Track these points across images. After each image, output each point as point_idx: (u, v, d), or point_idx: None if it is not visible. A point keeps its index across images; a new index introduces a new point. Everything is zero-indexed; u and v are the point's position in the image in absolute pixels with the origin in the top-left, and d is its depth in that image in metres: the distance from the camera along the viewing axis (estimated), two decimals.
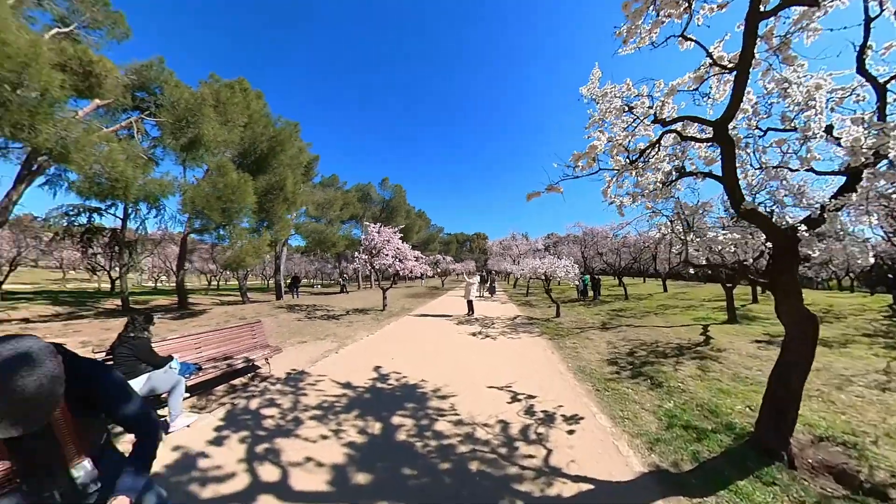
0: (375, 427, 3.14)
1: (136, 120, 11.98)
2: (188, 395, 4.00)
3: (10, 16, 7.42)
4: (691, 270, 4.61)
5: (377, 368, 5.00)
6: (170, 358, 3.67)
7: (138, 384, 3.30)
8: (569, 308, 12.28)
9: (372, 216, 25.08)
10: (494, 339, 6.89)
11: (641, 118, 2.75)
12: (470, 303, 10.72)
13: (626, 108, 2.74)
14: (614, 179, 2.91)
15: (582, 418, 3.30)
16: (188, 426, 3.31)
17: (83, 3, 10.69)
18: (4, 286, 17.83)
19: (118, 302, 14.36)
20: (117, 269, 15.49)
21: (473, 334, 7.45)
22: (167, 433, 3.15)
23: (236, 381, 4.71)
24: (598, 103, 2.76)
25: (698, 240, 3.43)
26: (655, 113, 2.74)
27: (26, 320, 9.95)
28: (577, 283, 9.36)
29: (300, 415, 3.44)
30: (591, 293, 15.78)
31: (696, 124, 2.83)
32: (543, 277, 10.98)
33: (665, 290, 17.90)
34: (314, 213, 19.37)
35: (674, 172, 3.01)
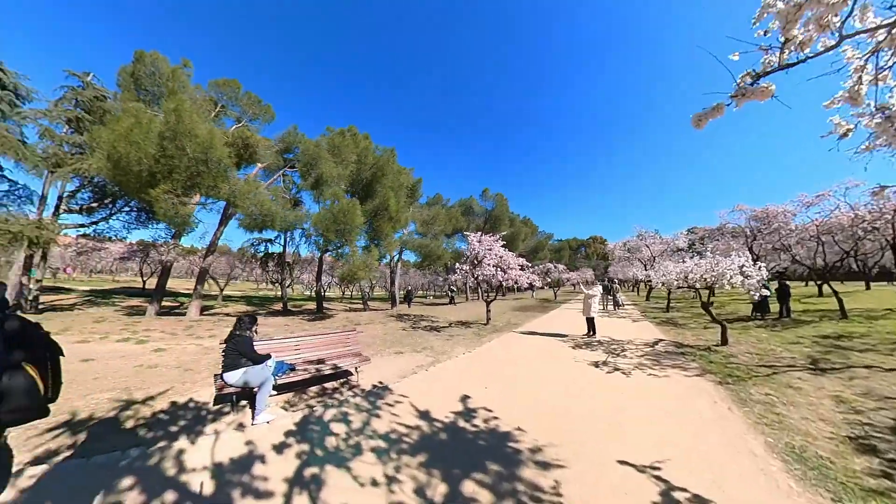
0: (438, 491, 2.36)
1: (282, 173, 16.40)
2: (275, 393, 4.27)
3: (199, 118, 10.72)
4: None
5: (465, 399, 4.20)
6: (268, 356, 3.92)
7: (235, 376, 3.62)
8: (740, 330, 8.88)
9: (476, 228, 24.94)
10: (627, 376, 5.15)
11: None
12: (591, 321, 8.70)
13: None
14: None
15: None
16: (268, 422, 3.47)
17: (248, 106, 15.87)
18: (224, 292, 25.55)
19: (280, 306, 18.65)
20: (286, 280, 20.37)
21: (596, 364, 5.81)
22: (253, 424, 3.42)
23: (329, 385, 4.79)
24: None
25: None
26: None
27: (227, 314, 14.29)
28: (752, 292, 6.35)
29: (363, 441, 3.08)
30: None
31: None
32: (701, 286, 7.47)
33: None
34: (421, 230, 20.60)
35: None
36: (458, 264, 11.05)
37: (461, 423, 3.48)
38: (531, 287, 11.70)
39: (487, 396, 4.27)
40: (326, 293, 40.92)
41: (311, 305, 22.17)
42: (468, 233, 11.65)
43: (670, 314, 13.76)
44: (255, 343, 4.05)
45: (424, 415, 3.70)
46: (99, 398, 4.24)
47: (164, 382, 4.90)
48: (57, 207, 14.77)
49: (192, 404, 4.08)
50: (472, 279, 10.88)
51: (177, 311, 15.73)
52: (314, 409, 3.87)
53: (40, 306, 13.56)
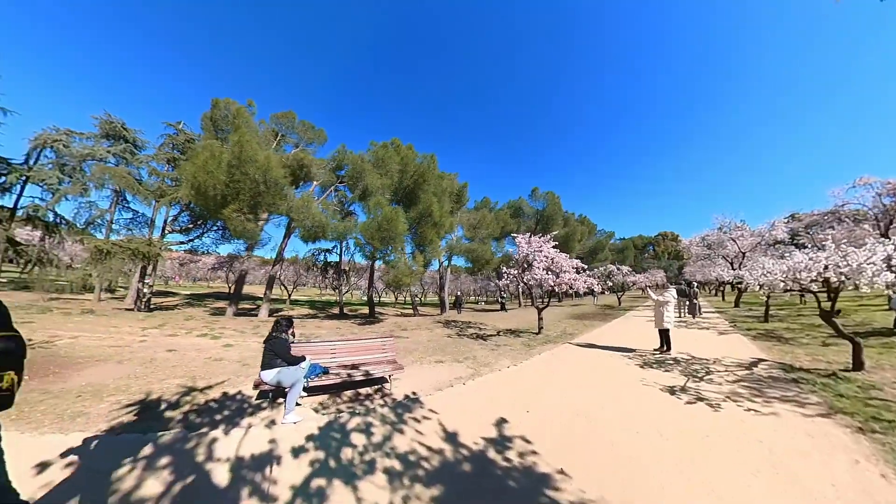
0: None
1: (333, 188, 18.02)
2: (305, 395, 4.39)
3: (259, 147, 12.37)
4: None
5: (501, 423, 3.65)
6: (302, 358, 4.07)
7: (270, 375, 3.80)
8: (879, 349, 6.78)
9: (526, 229, 23.71)
10: (715, 409, 4.04)
11: None
12: (665, 333, 7.30)
13: None
14: None
15: None
16: (295, 423, 3.56)
17: (304, 132, 18.21)
18: (292, 297, 28.87)
19: (336, 310, 20.29)
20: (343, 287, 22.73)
21: (671, 391, 4.73)
22: (282, 423, 3.56)
23: (363, 391, 4.73)
24: None
25: None
26: None
27: (292, 316, 16.28)
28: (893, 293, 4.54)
29: (378, 459, 2.85)
30: None
31: None
32: (818, 288, 5.67)
33: None
34: (469, 235, 20.27)
35: None
36: (505, 269, 10.34)
37: (491, 454, 2.96)
38: (591, 292, 10.55)
39: (528, 422, 3.66)
40: (381, 299, 42.66)
41: (366, 310, 23.29)
42: (516, 234, 10.89)
43: (770, 325, 11.30)
44: (295, 344, 4.35)
45: (451, 437, 3.27)
46: (170, 384, 4.88)
47: (224, 374, 5.47)
48: (163, 229, 18.17)
49: (238, 396, 4.46)
50: (522, 284, 10.08)
51: (251, 312, 17.44)
52: (341, 415, 3.87)
53: (151, 306, 16.09)
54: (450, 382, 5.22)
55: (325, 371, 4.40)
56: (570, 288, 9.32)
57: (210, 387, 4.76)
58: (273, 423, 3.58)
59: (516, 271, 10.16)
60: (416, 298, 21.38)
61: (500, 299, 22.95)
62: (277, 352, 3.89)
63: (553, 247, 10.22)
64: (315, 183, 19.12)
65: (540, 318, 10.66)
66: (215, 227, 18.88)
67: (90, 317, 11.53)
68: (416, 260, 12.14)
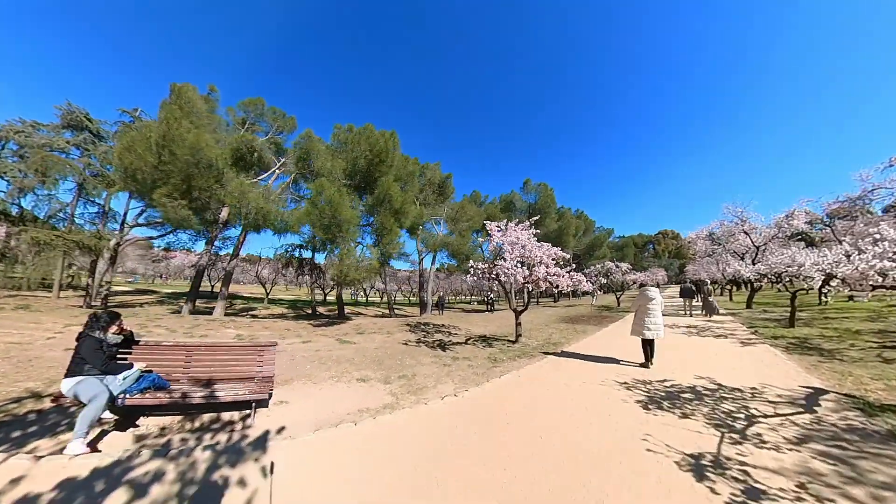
0: None
1: (294, 177, 16.49)
2: (111, 417, 3.37)
3: (190, 125, 11.12)
4: None
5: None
6: (127, 366, 3.33)
7: (68, 384, 2.93)
8: None
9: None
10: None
11: None
12: (648, 345, 5.73)
13: None
14: None
15: None
16: (73, 456, 2.58)
17: (274, 120, 17.17)
18: (279, 296, 28.73)
19: (321, 309, 19.27)
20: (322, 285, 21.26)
21: (698, 468, 2.64)
22: (62, 452, 2.69)
23: (224, 416, 3.62)
24: None
25: None
26: None
27: (255, 316, 15.08)
28: None
29: None
30: None
31: None
32: (868, 285, 4.36)
33: None
34: (451, 228, 18.47)
35: None
36: (472, 263, 8.33)
37: None
38: (592, 292, 8.60)
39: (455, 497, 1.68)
40: (367, 298, 40.74)
41: (351, 309, 21.68)
42: (487, 221, 8.88)
43: (799, 330, 9.27)
44: (139, 347, 3.65)
45: None
46: (18, 387, 4.15)
47: None
48: (122, 222, 17.29)
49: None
50: (491, 280, 8.08)
51: (212, 310, 15.80)
52: (138, 455, 2.60)
53: (108, 304, 14.68)
54: (351, 416, 3.69)
55: (163, 386, 3.41)
56: (551, 285, 7.29)
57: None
58: (63, 451, 2.68)
59: (484, 265, 8.15)
60: (392, 298, 19.44)
61: (487, 299, 20.97)
62: (84, 354, 3.07)
63: (532, 236, 8.21)
64: (279, 171, 17.48)
65: (518, 324, 8.66)
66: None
67: (22, 312, 10.37)
68: (373, 252, 10.10)
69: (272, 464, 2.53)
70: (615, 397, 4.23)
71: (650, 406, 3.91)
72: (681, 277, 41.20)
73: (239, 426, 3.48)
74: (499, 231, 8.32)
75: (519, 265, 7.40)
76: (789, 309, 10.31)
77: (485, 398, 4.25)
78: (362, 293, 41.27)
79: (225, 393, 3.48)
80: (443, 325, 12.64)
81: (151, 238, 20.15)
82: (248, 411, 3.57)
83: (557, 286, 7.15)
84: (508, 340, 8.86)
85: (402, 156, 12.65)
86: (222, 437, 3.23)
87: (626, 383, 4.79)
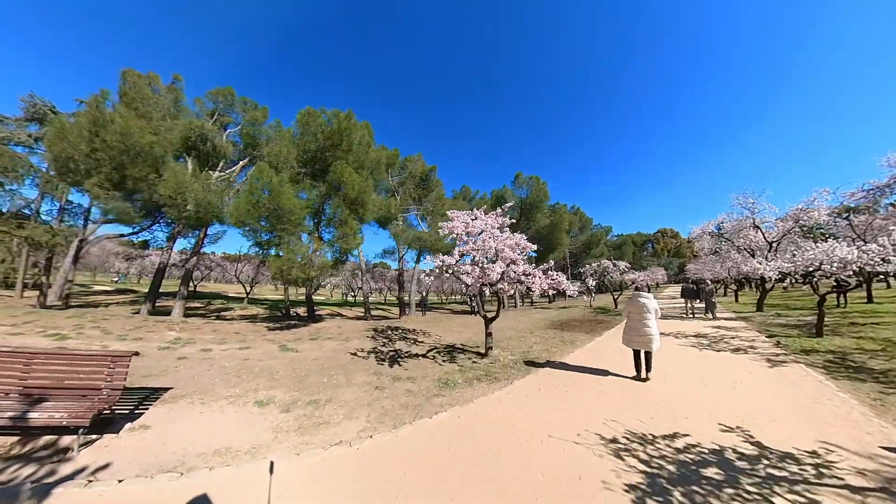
0: None
1: (245, 163, 15.35)
2: None
3: (123, 110, 10.37)
4: None
5: None
6: None
7: None
8: None
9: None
10: None
11: None
12: (645, 357, 4.98)
13: None
14: None
15: None
16: None
17: (244, 110, 16.07)
18: (263, 296, 27.23)
19: (299, 310, 17.46)
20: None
21: None
22: None
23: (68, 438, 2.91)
24: None
25: None
26: None
27: (227, 318, 14.01)
28: None
29: None
30: None
31: None
32: None
33: None
34: (430, 223, 17.03)
35: None
36: (429, 258, 6.71)
37: None
38: (589, 292, 7.00)
39: None
40: (357, 298, 39.07)
41: (331, 310, 20.18)
42: (451, 211, 7.26)
43: (832, 342, 7.66)
44: None
45: None
46: None
47: None
48: (86, 218, 16.33)
49: None
50: (447, 276, 6.47)
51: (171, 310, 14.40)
52: None
53: (70, 303, 13.87)
54: (199, 459, 2.86)
55: None
56: (521, 283, 5.66)
57: None
58: None
59: (451, 261, 6.51)
60: (368, 298, 17.88)
61: (469, 302, 19.38)
62: None
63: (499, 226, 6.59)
64: (242, 163, 16.00)
65: (488, 335, 7.06)
66: (164, 221, 16.10)
67: None
68: (315, 246, 8.49)
69: (272, 463, 2.29)
70: (593, 476, 2.59)
71: (652, 499, 2.28)
72: (681, 277, 39.70)
73: (57, 458, 2.79)
74: (462, 222, 6.71)
75: (487, 262, 5.78)
76: (813, 314, 8.75)
77: (389, 454, 2.69)
78: (351, 293, 39.66)
79: (39, 414, 2.87)
80: (412, 331, 11.06)
81: (123, 235, 18.73)
82: (75, 436, 2.85)
83: (530, 288, 5.52)
84: (478, 353, 7.28)
85: (366, 141, 11.00)
86: (25, 471, 2.51)
87: (614, 440, 3.15)
